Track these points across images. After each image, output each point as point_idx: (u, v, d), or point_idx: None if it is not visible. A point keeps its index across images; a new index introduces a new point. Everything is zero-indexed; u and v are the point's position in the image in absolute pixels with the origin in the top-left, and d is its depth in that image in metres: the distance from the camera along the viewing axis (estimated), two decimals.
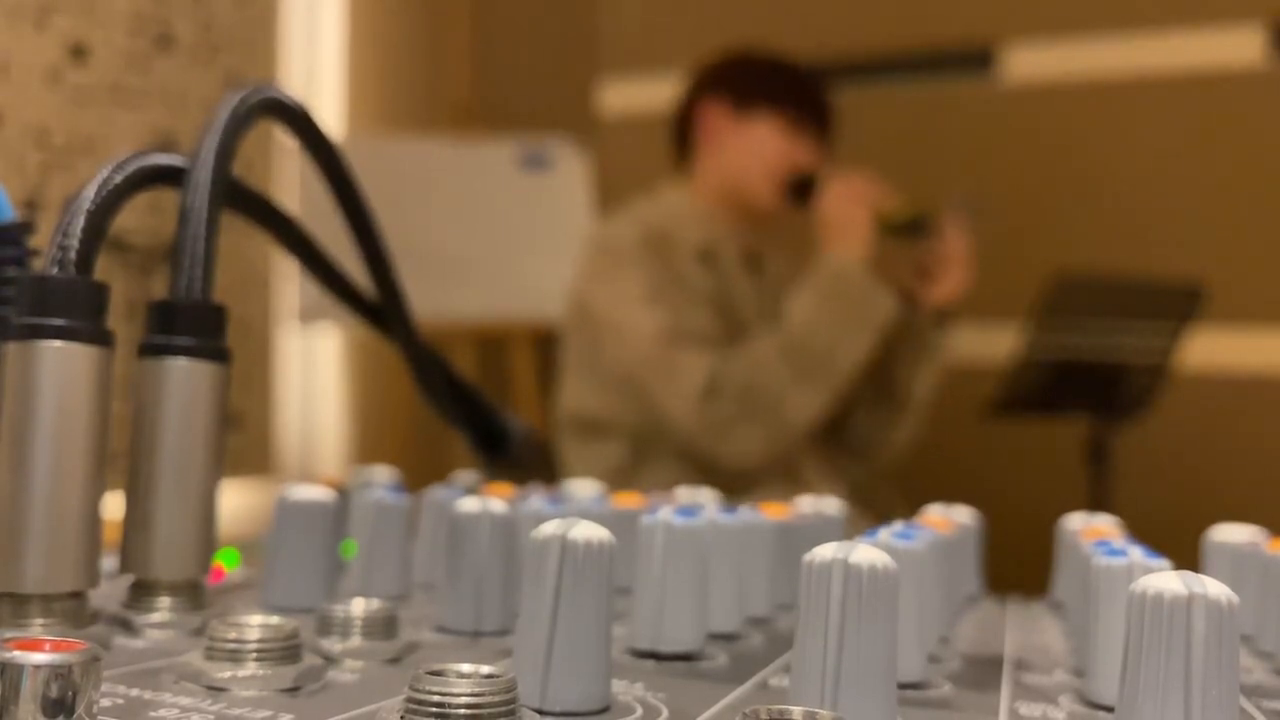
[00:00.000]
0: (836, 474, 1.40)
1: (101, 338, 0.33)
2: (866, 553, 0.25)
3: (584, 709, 0.27)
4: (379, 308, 0.49)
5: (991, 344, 1.70)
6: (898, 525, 0.35)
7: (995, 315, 1.72)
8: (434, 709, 0.23)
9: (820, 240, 1.36)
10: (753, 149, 1.43)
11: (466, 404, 0.56)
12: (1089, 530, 0.42)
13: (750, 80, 1.46)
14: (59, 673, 0.21)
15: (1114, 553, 0.30)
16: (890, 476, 1.50)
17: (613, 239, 1.43)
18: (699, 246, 1.40)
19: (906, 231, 1.38)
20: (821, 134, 1.46)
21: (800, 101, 1.44)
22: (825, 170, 1.42)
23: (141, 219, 1.59)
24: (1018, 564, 0.69)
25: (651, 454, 1.37)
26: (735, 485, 1.25)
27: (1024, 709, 0.29)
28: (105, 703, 0.26)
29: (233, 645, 0.28)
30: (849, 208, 1.35)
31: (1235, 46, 1.81)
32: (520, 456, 0.58)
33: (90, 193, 0.34)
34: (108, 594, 0.35)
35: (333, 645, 0.31)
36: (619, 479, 1.33)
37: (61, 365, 0.32)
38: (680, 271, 1.37)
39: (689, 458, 1.34)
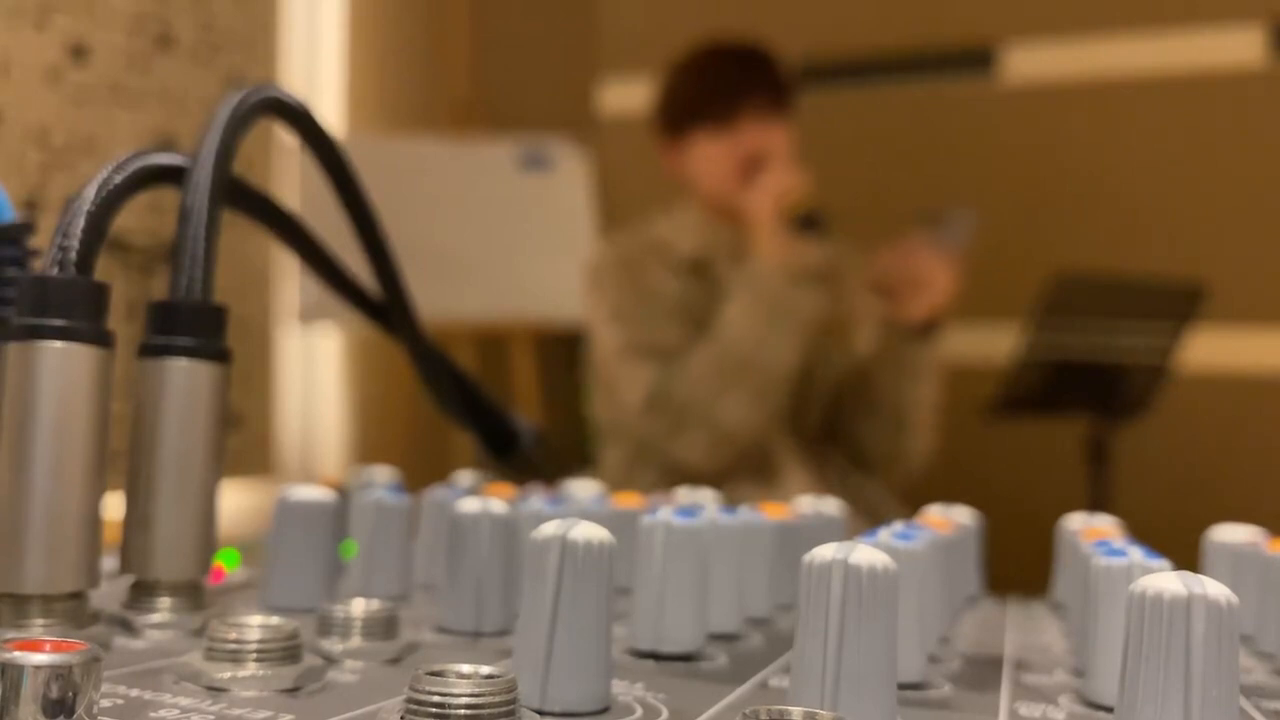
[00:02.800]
0: (818, 476, 1.40)
1: (102, 338, 0.33)
2: (866, 553, 0.25)
3: (584, 709, 0.27)
4: (383, 306, 0.49)
5: (991, 344, 1.70)
6: (898, 525, 0.35)
7: (995, 315, 1.72)
8: (434, 709, 0.23)
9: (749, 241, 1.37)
10: (703, 168, 1.42)
11: (473, 403, 0.55)
12: (1089, 530, 0.42)
13: (667, 109, 1.46)
14: (59, 673, 0.21)
15: (1114, 553, 0.30)
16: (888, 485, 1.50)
17: (595, 258, 1.51)
18: (692, 257, 1.42)
19: (799, 227, 1.36)
20: (766, 104, 1.41)
21: (714, 98, 1.41)
22: (822, 209, 1.38)
23: (142, 218, 1.59)
24: (1018, 564, 0.69)
25: (646, 457, 1.40)
26: (711, 485, 1.26)
27: (1024, 709, 0.29)
28: (105, 703, 0.26)
29: (233, 646, 0.28)
30: (766, 204, 1.34)
31: (1235, 47, 1.81)
32: (531, 457, 0.58)
33: (90, 193, 0.34)
34: (108, 594, 0.35)
35: (333, 645, 0.31)
36: (617, 480, 1.36)
37: (62, 366, 0.32)
38: (654, 287, 1.40)
39: (668, 463, 1.37)
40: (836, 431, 1.46)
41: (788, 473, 1.37)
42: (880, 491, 1.44)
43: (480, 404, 0.56)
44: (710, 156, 1.42)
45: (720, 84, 1.43)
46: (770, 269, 1.33)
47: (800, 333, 1.33)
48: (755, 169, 1.38)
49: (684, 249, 1.42)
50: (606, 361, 1.40)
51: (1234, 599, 0.24)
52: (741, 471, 1.35)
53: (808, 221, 1.36)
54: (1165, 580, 0.24)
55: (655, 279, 1.40)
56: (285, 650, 0.28)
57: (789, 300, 1.32)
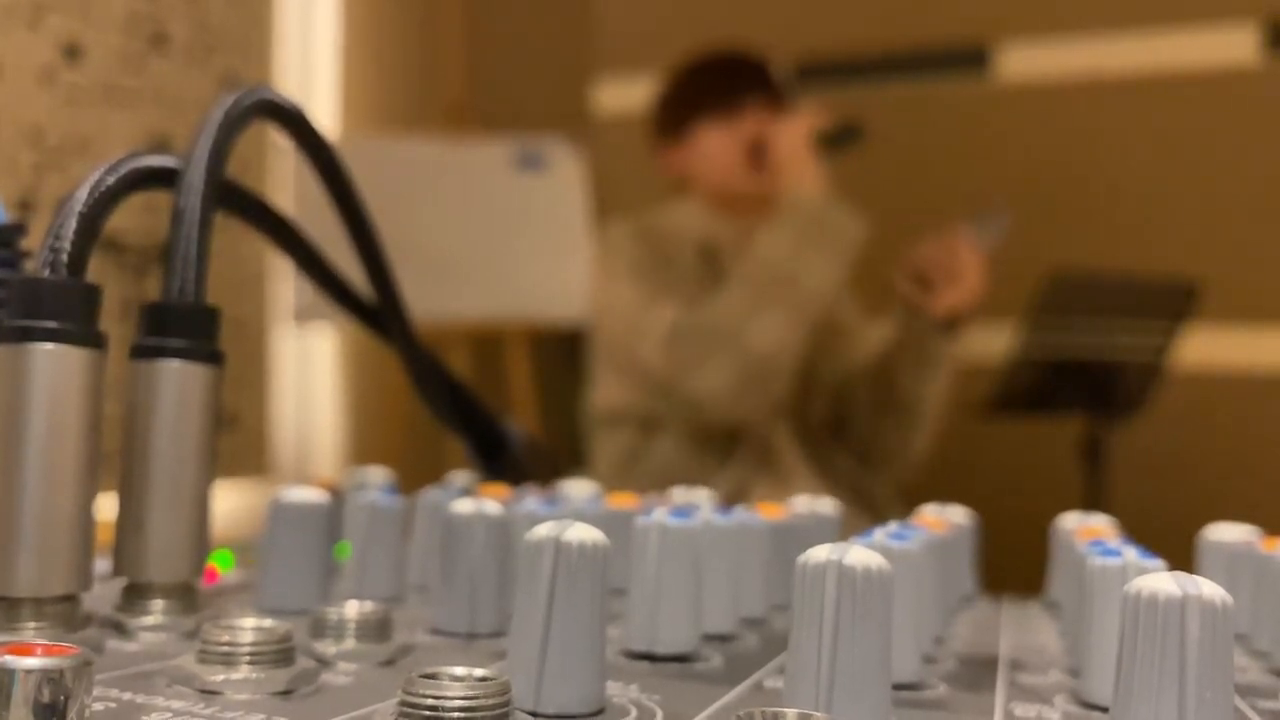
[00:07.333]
0: (822, 471, 1.40)
1: (93, 340, 0.33)
2: (860, 554, 0.25)
3: (578, 711, 0.27)
4: (377, 310, 0.49)
5: (986, 343, 1.70)
6: (893, 526, 0.35)
7: (990, 314, 1.72)
8: (427, 712, 0.23)
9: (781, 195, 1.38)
10: (709, 159, 1.45)
11: (464, 409, 0.55)
12: (1084, 530, 0.42)
13: (669, 108, 1.49)
14: (50, 677, 0.21)
15: (1109, 553, 0.30)
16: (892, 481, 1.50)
17: (608, 236, 1.51)
18: (700, 244, 1.42)
19: (837, 143, 1.38)
20: (767, 97, 1.45)
21: (717, 90, 1.45)
22: (858, 122, 1.42)
23: (137, 219, 1.58)
24: (1013, 564, 0.69)
25: (657, 434, 1.39)
26: (725, 488, 1.26)
27: (1019, 709, 0.29)
28: (98, 707, 0.26)
29: (226, 648, 0.28)
30: (795, 153, 1.36)
31: (1229, 46, 1.81)
32: (520, 463, 0.57)
33: (83, 194, 0.34)
34: (101, 597, 0.35)
35: (326, 648, 0.31)
36: (629, 460, 1.39)
37: (53, 368, 0.32)
38: (672, 255, 1.40)
39: (688, 434, 1.36)
40: (843, 428, 1.46)
41: (793, 469, 1.37)
42: (884, 488, 1.44)
43: (471, 410, 0.55)
44: (716, 146, 1.44)
45: (722, 78, 1.46)
46: (812, 196, 1.33)
47: (840, 254, 1.32)
48: (761, 152, 1.40)
49: (692, 236, 1.43)
50: (626, 316, 1.37)
51: (1229, 599, 0.24)
52: (748, 467, 1.34)
53: (845, 134, 1.39)
54: (1160, 580, 0.24)
55: (673, 249, 1.41)
56: (278, 653, 0.28)
57: (828, 218, 1.32)
